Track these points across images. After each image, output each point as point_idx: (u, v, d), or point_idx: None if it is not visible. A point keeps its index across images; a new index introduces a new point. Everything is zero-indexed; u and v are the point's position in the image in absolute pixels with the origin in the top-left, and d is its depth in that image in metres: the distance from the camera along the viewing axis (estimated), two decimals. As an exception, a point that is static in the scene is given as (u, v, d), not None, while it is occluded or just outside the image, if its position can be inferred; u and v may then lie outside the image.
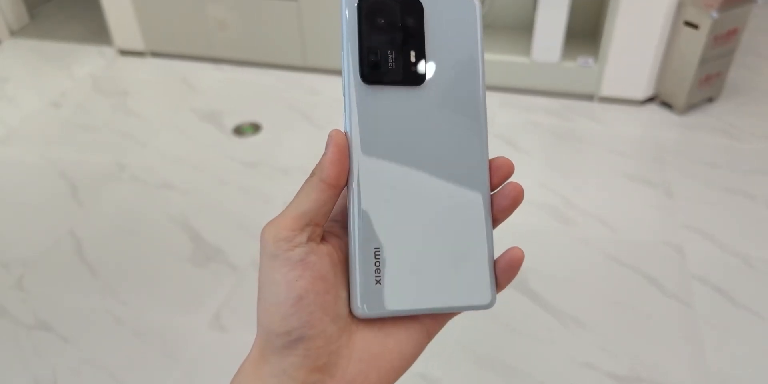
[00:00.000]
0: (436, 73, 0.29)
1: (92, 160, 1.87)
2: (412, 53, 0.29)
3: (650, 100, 2.08)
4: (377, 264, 0.29)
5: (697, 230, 1.57)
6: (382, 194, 0.29)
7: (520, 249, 0.30)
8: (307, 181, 0.28)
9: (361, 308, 0.28)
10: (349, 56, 0.29)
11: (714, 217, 1.61)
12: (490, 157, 0.31)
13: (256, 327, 0.28)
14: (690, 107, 2.02)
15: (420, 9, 0.29)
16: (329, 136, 0.28)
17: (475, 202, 0.30)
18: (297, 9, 2.15)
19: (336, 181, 0.28)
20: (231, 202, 1.69)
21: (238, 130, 1.99)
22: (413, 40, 0.29)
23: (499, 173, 0.31)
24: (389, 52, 0.29)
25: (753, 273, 1.45)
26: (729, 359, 1.26)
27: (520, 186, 0.30)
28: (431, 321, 0.31)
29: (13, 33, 2.66)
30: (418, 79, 0.29)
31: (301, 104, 2.12)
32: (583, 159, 1.86)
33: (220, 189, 1.74)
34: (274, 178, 1.77)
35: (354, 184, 0.28)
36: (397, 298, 0.29)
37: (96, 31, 2.60)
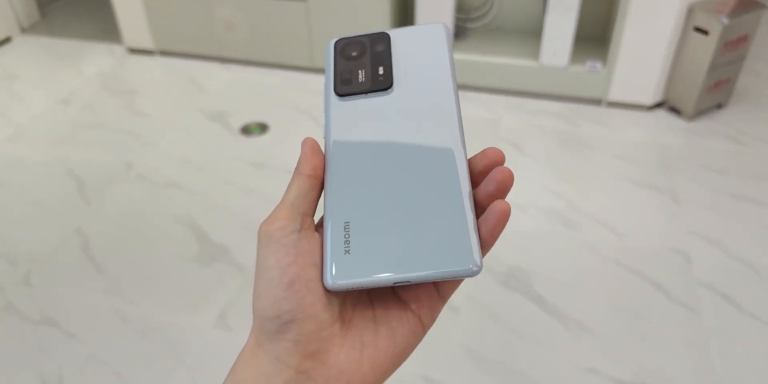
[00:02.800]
0: (405, 81, 0.33)
1: (100, 159, 1.88)
2: (380, 69, 0.34)
3: (658, 105, 2.08)
4: (347, 236, 0.29)
5: (704, 236, 1.56)
6: (352, 178, 0.31)
7: (506, 202, 0.28)
8: (291, 178, 0.31)
9: (330, 279, 0.28)
10: (327, 81, 0.34)
11: (721, 224, 1.60)
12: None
13: (252, 315, 0.29)
14: (698, 113, 2.02)
15: (387, 38, 0.35)
16: (302, 141, 0.32)
17: (451, 173, 0.30)
18: (305, 9, 2.16)
19: (312, 171, 0.31)
20: (237, 202, 1.70)
21: (245, 130, 1.99)
22: (380, 60, 0.34)
23: (486, 161, 0.31)
24: (359, 71, 0.34)
25: (759, 280, 1.44)
26: (734, 366, 1.25)
27: (509, 170, 0.29)
28: (424, 310, 0.30)
29: (24, 30, 2.68)
30: (385, 85, 0.33)
31: (308, 105, 2.12)
32: (589, 164, 1.86)
33: (226, 189, 1.75)
34: (281, 179, 1.77)
35: (329, 171, 0.32)
36: (367, 268, 0.28)
37: (106, 29, 2.61)
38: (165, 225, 1.62)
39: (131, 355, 1.29)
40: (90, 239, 1.58)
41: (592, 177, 1.80)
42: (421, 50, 0.34)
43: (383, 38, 0.35)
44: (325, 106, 0.34)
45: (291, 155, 1.88)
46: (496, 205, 0.28)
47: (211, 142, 1.95)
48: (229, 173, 1.81)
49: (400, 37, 0.35)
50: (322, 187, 0.31)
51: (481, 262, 0.28)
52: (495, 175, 0.29)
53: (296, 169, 0.31)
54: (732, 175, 1.78)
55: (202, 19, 2.29)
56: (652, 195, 1.71)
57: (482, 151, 0.31)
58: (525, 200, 1.68)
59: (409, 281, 0.28)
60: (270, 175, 1.80)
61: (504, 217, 0.28)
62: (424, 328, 0.30)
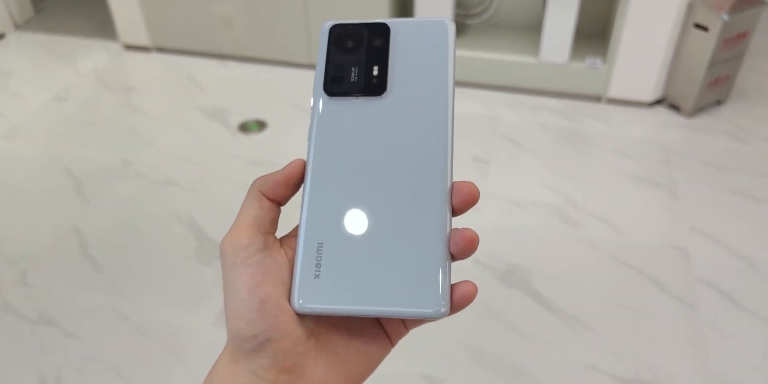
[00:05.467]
0: (399, 85, 0.31)
1: (97, 156, 1.87)
2: (375, 68, 0.31)
3: (658, 102, 2.08)
4: (318, 259, 0.28)
5: (703, 233, 1.56)
6: (333, 194, 0.29)
7: (473, 284, 0.28)
8: (248, 190, 0.30)
9: (297, 302, 0.28)
10: (318, 72, 0.32)
11: (720, 220, 1.60)
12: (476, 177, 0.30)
13: (227, 332, 0.29)
14: (698, 110, 2.01)
15: (386, 31, 0.32)
16: (290, 162, 0.30)
17: (433, 208, 0.28)
18: (303, 5, 2.14)
19: (272, 195, 0.30)
20: (235, 199, 1.67)
21: (243, 128, 1.98)
22: (376, 57, 0.31)
23: (462, 198, 0.29)
24: (352, 68, 0.31)
25: (759, 276, 1.45)
26: (733, 363, 1.25)
27: (475, 187, 0.29)
28: (391, 327, 0.31)
29: (18, 27, 2.66)
30: (378, 90, 0.31)
31: (307, 102, 2.11)
32: (589, 160, 1.85)
33: (224, 187, 1.74)
34: (279, 176, 1.77)
35: (307, 183, 0.30)
36: (335, 296, 0.28)
37: (101, 25, 2.59)
38: (163, 223, 1.61)
39: (130, 353, 1.28)
40: (87, 237, 1.57)
41: (591, 174, 1.80)
42: (421, 49, 0.31)
43: (382, 31, 0.32)
44: (314, 100, 0.31)
45: (289, 153, 1.87)
46: (463, 287, 0.28)
47: (209, 139, 1.94)
48: (228, 171, 1.80)
49: (400, 31, 0.32)
50: (279, 209, 0.31)
51: (448, 307, 0.27)
52: (461, 186, 0.29)
53: (258, 184, 0.30)
54: (731, 172, 1.78)
55: (198, 15, 2.27)
56: (651, 191, 1.71)
57: (460, 187, 0.29)
58: (524, 197, 1.67)
59: (370, 315, 0.28)
60: (268, 172, 1.78)
61: (467, 300, 0.28)
62: (392, 344, 0.31)
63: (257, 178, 0.31)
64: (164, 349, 1.29)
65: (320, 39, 0.33)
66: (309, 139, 0.31)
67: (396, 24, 0.32)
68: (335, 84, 0.31)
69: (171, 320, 1.35)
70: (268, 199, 0.30)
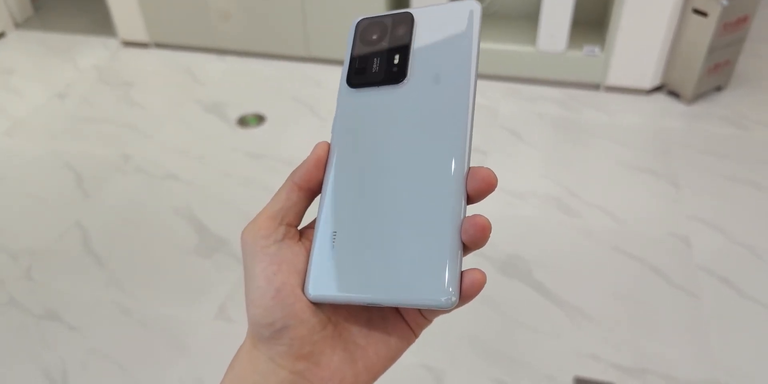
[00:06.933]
0: (421, 72, 0.31)
1: (97, 152, 1.87)
2: (395, 57, 0.31)
3: (657, 89, 2.06)
4: (332, 248, 0.29)
5: (704, 221, 1.55)
6: (350, 183, 0.30)
7: (481, 271, 0.28)
8: (284, 182, 0.30)
9: (308, 289, 0.28)
10: (344, 67, 0.32)
11: (721, 208, 1.60)
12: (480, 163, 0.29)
13: (247, 319, 0.29)
14: (698, 96, 2.00)
15: (410, 20, 0.32)
16: (315, 146, 0.31)
17: (447, 196, 0.28)
18: (301, -1, 2.14)
19: (306, 184, 0.30)
20: (235, 193, 1.69)
21: (242, 122, 1.98)
22: (397, 46, 0.32)
23: (479, 185, 0.28)
24: (374, 59, 0.32)
25: (760, 264, 1.44)
26: (735, 350, 1.25)
27: (493, 173, 0.28)
28: (411, 317, 0.31)
29: (18, 25, 2.66)
30: (398, 78, 0.31)
31: (305, 95, 2.11)
32: (588, 150, 1.85)
33: (224, 180, 1.74)
34: (278, 169, 1.77)
35: (328, 172, 0.30)
36: (346, 284, 0.28)
37: (100, 22, 2.60)
38: (164, 217, 1.62)
39: (133, 347, 1.29)
40: (89, 232, 1.58)
41: (590, 163, 1.79)
42: (446, 35, 0.31)
43: (406, 20, 0.32)
44: (338, 94, 0.32)
45: (288, 146, 1.88)
46: (471, 275, 0.27)
47: (208, 133, 1.95)
48: (227, 164, 1.80)
49: (424, 18, 0.32)
50: (312, 199, 0.31)
51: (457, 297, 0.27)
52: (477, 172, 0.28)
53: (293, 175, 0.30)
54: (732, 159, 1.77)
55: (196, 10, 2.27)
56: (651, 180, 1.70)
57: (476, 173, 0.28)
58: (524, 188, 1.67)
59: (380, 304, 0.28)
60: (267, 165, 1.79)
61: (477, 287, 0.27)
62: (415, 333, 0.31)
63: (292, 171, 0.31)
64: (166, 342, 1.30)
65: (348, 35, 0.33)
66: (332, 128, 0.31)
67: (421, 12, 0.32)
68: (357, 75, 0.31)
69: (172, 313, 1.36)
70: (303, 188, 0.30)
